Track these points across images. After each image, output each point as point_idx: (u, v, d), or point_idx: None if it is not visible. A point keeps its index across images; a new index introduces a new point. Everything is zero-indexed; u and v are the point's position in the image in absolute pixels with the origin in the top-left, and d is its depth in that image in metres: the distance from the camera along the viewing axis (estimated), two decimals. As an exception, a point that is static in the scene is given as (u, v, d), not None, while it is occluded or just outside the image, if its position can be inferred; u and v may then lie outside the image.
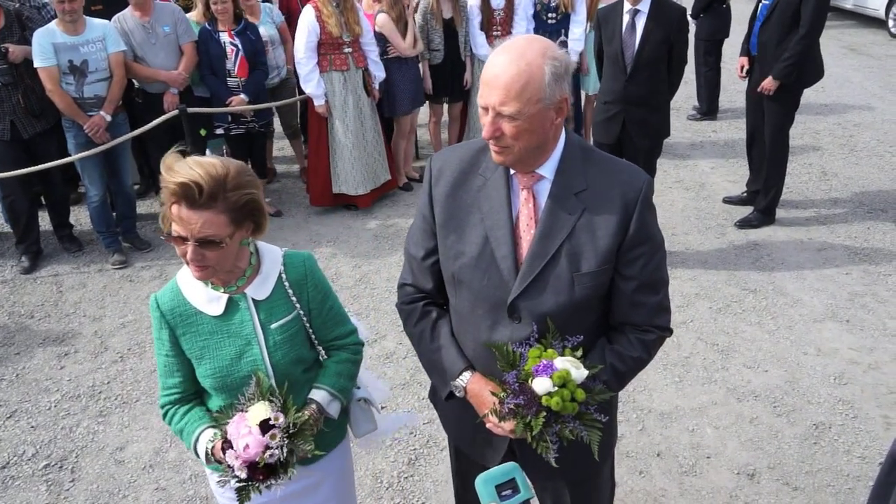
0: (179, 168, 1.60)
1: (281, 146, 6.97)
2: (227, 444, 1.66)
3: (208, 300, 1.80)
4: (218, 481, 1.73)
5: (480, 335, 1.74)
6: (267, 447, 1.62)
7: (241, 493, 1.67)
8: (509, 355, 1.64)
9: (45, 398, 3.78)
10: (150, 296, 1.85)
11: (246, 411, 1.68)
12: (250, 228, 1.75)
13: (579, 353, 1.59)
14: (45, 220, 5.34)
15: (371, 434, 2.10)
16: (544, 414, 1.52)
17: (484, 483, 1.38)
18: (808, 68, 4.95)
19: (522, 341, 1.65)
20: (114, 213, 5.22)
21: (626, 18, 4.34)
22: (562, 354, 1.57)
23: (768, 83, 4.88)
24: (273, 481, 1.66)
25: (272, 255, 1.88)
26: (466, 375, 1.78)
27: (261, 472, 1.63)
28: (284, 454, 1.64)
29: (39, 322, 4.45)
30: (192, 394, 1.90)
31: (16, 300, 4.69)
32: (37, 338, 4.30)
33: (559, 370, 1.51)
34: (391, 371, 3.86)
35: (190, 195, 1.58)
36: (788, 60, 4.76)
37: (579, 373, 1.53)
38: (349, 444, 2.17)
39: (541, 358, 1.56)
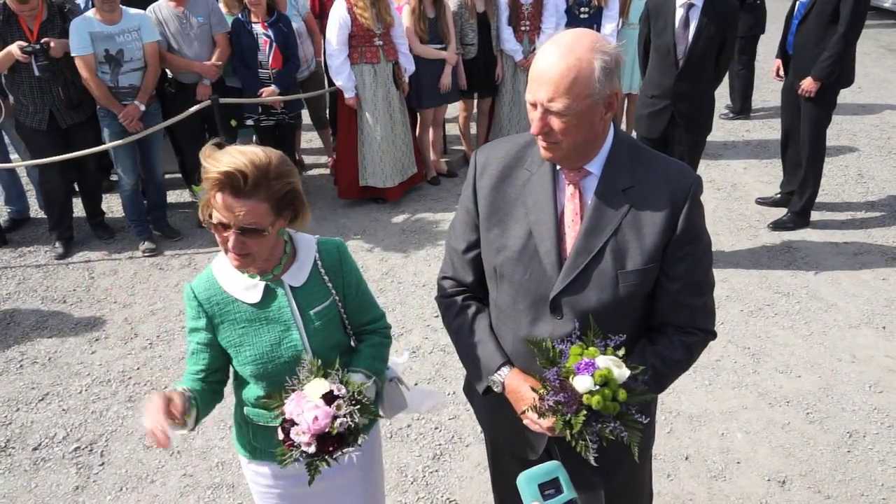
0: (223, 157, 1.61)
1: (309, 138, 6.99)
2: (288, 424, 1.66)
3: (245, 288, 1.80)
4: (281, 462, 1.71)
5: (521, 330, 1.72)
6: (335, 417, 1.62)
7: (311, 467, 1.67)
8: (548, 352, 1.61)
9: (77, 382, 3.83)
10: (184, 286, 1.84)
11: (302, 390, 1.68)
12: (289, 218, 1.75)
13: (621, 352, 1.56)
14: (76, 207, 5.42)
15: (403, 412, 2.11)
16: (585, 413, 1.50)
17: (527, 482, 1.36)
18: (846, 68, 4.85)
19: (564, 338, 1.62)
20: (145, 202, 5.28)
21: (679, 12, 4.25)
22: (603, 353, 1.54)
23: (808, 84, 4.79)
24: (343, 450, 1.66)
25: (306, 242, 1.89)
26: (505, 371, 1.76)
27: (331, 443, 1.63)
28: (354, 421, 1.64)
29: (71, 307, 4.52)
30: (214, 381, 1.90)
31: (49, 285, 4.76)
32: (69, 322, 4.36)
33: (601, 369, 1.49)
34: (417, 366, 3.85)
35: (234, 183, 1.59)
36: (828, 60, 4.66)
37: (621, 372, 1.51)
38: (379, 429, 2.18)
39: (582, 356, 1.53)
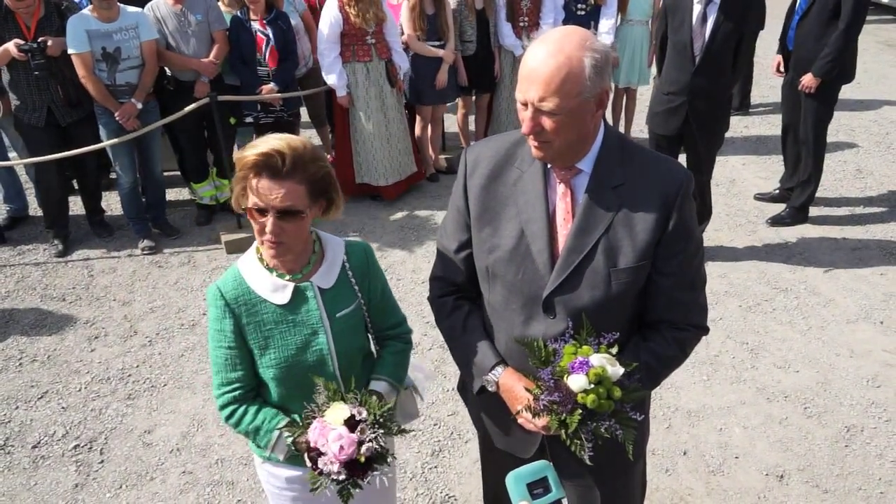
0: (260, 142, 1.63)
1: (308, 135, 6.98)
2: (314, 453, 1.63)
3: (273, 289, 1.77)
4: (312, 490, 1.67)
5: (514, 330, 1.72)
6: (360, 443, 1.60)
7: (343, 493, 1.65)
8: (541, 352, 1.61)
9: (76, 380, 3.84)
10: (209, 286, 1.80)
11: (322, 416, 1.65)
12: (323, 206, 1.75)
13: (614, 350, 1.56)
14: (76, 205, 5.42)
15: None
16: (580, 412, 1.50)
17: (515, 481, 1.36)
18: (848, 63, 4.84)
19: (557, 337, 1.62)
20: (144, 200, 5.29)
21: (696, 8, 4.23)
22: (597, 351, 1.55)
23: (809, 80, 4.78)
24: (374, 473, 1.64)
25: (334, 244, 1.87)
26: (499, 370, 1.76)
27: (361, 468, 1.61)
28: (381, 443, 1.62)
29: (71, 305, 4.52)
30: (253, 389, 1.86)
31: (48, 283, 4.77)
32: (68, 320, 4.36)
33: (595, 367, 1.49)
34: (416, 363, 3.85)
35: (273, 165, 1.60)
36: (829, 56, 4.66)
37: (615, 370, 1.51)
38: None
39: (576, 355, 1.53)
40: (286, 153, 1.60)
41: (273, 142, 1.62)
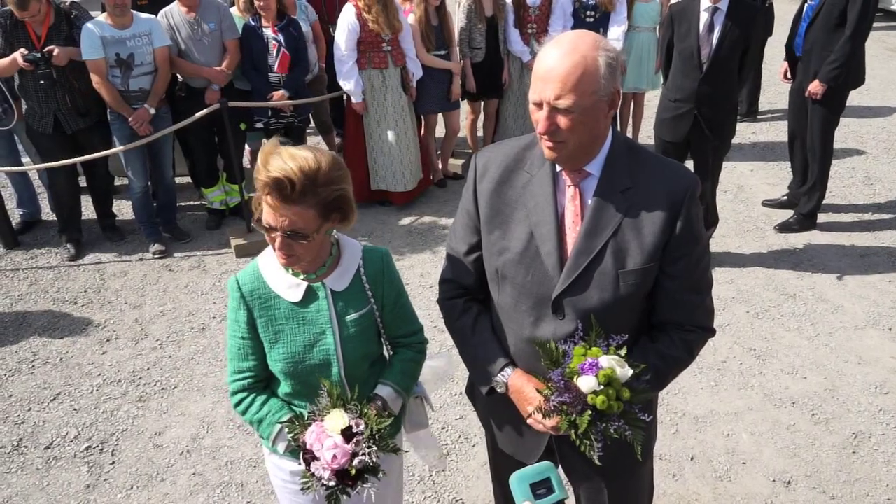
0: (274, 161, 1.62)
1: (316, 141, 7.03)
2: (308, 455, 1.66)
3: (287, 286, 1.82)
4: (301, 490, 1.72)
5: (523, 331, 1.75)
6: (354, 454, 1.62)
7: (330, 498, 1.68)
8: (553, 352, 1.64)
9: (88, 382, 3.88)
10: (230, 278, 1.87)
11: (322, 420, 1.68)
12: (337, 220, 1.76)
13: (623, 351, 1.58)
14: (88, 210, 5.48)
15: (421, 432, 2.12)
16: (590, 412, 1.52)
17: (518, 481, 1.38)
18: (854, 69, 4.85)
19: (566, 338, 1.65)
20: (155, 204, 5.34)
21: (703, 17, 4.26)
22: (606, 353, 1.57)
23: (815, 87, 4.80)
24: (363, 485, 1.66)
25: (352, 248, 1.90)
26: (508, 371, 1.78)
27: (350, 479, 1.64)
28: (373, 459, 1.64)
29: (82, 308, 4.57)
30: (264, 380, 1.91)
31: (60, 286, 4.82)
32: (80, 323, 4.41)
33: (605, 369, 1.51)
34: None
35: (282, 189, 1.60)
36: (835, 63, 4.67)
37: (624, 372, 1.53)
38: (401, 432, 2.18)
39: (586, 356, 1.55)
40: (296, 179, 1.59)
41: (285, 164, 1.59)
